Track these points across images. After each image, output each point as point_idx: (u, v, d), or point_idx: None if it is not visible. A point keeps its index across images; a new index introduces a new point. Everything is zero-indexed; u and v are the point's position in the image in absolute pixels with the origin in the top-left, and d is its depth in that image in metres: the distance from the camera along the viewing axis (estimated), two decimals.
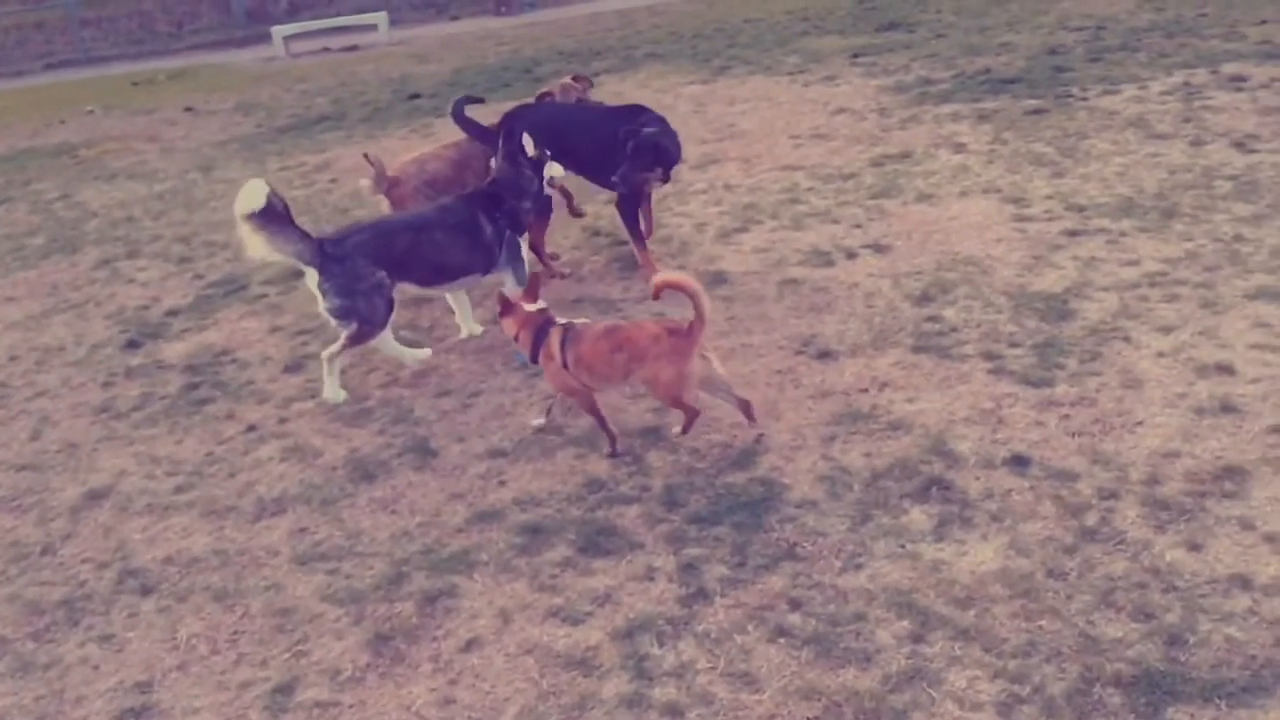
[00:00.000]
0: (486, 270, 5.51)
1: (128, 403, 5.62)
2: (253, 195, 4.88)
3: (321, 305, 5.18)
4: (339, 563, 4.03)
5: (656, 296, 4.36)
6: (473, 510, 4.23)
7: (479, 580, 3.81)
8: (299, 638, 3.65)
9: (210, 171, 10.57)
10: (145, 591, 4.02)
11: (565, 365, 4.43)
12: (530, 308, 4.60)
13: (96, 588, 4.10)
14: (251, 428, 5.17)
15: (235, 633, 3.74)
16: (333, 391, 5.27)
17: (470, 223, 5.40)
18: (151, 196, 9.85)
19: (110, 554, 4.30)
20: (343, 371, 5.42)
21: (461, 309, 5.81)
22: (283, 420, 5.20)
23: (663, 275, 4.35)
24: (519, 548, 3.95)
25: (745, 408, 4.50)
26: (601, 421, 4.52)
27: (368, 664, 3.49)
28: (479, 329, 5.84)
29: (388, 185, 6.15)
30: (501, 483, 4.41)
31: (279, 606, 3.83)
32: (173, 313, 6.82)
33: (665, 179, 6.25)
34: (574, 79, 7.19)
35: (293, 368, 5.77)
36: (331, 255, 5.11)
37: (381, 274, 5.19)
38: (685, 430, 4.49)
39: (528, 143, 5.64)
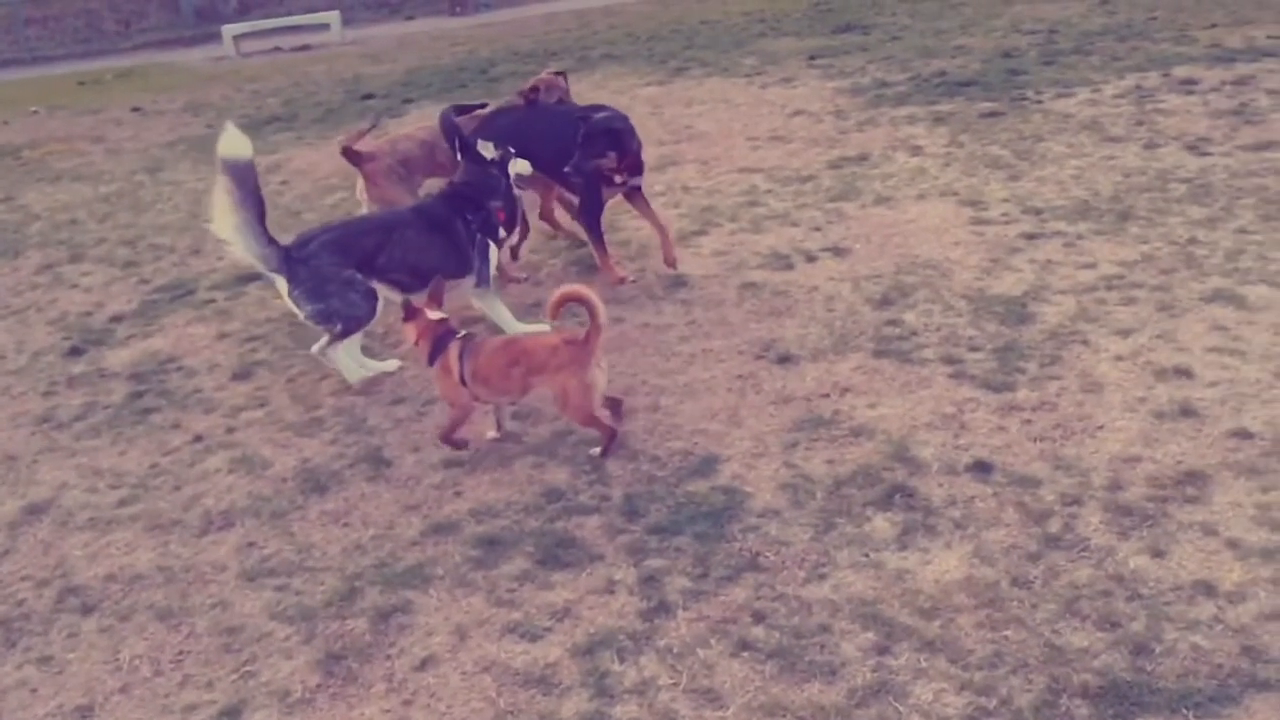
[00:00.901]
0: (461, 273, 5.39)
1: (70, 412, 5.45)
2: (236, 141, 4.76)
3: (301, 316, 5.11)
4: (289, 578, 3.90)
5: (554, 316, 4.32)
6: (428, 522, 4.13)
7: (434, 595, 3.70)
8: (247, 658, 3.53)
9: (158, 173, 10.34)
10: (86, 610, 3.88)
11: (463, 379, 4.35)
12: (433, 315, 4.52)
13: (35, 607, 3.94)
14: (198, 438, 5.02)
15: (180, 653, 3.61)
16: (351, 373, 5.22)
17: (445, 223, 5.33)
18: (97, 199, 9.61)
19: (50, 571, 4.14)
20: (297, 380, 5.29)
21: None
22: (231, 430, 5.06)
23: (560, 291, 4.29)
24: (475, 561, 3.86)
25: (615, 413, 4.47)
26: (449, 434, 4.49)
27: (319, 685, 3.37)
28: None
29: (363, 160, 6.20)
30: (457, 493, 4.31)
31: (226, 625, 3.70)
32: (117, 319, 6.63)
33: (624, 168, 5.99)
34: (555, 74, 7.06)
35: (241, 375, 5.62)
36: (296, 259, 5.01)
37: (350, 270, 5.09)
38: (604, 452, 4.38)
39: (484, 147, 5.53)
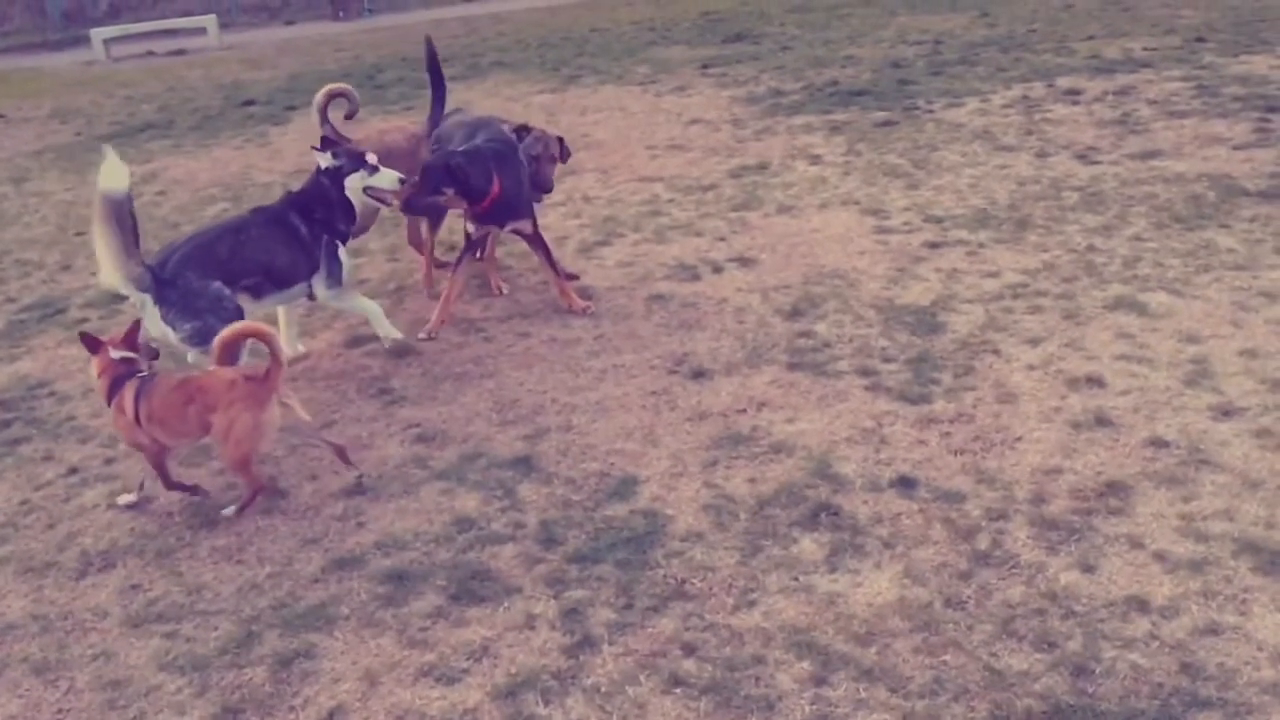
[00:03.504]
0: (310, 273, 5.19)
1: None
2: (115, 175, 4.44)
3: (174, 338, 4.74)
4: (178, 624, 3.60)
5: (220, 361, 4.11)
6: (329, 557, 3.87)
7: (340, 638, 3.46)
8: (134, 714, 3.23)
9: (23, 184, 9.73)
10: None
11: (138, 419, 4.10)
12: (115, 353, 4.24)
13: None
14: (73, 470, 4.65)
15: (59, 711, 3.28)
16: None
17: (285, 223, 5.14)
18: None
19: None
20: None
21: (288, 326, 5.48)
22: (109, 461, 4.70)
23: (228, 329, 4.11)
24: (383, 598, 3.62)
25: (340, 453, 4.29)
26: (165, 479, 4.24)
27: None
28: (302, 348, 5.57)
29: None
30: (360, 524, 4.06)
31: (110, 678, 3.39)
32: None
33: (472, 206, 5.56)
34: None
35: None
36: (162, 280, 4.68)
37: (216, 284, 4.79)
38: (241, 509, 4.15)
39: (322, 156, 5.25)
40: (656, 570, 3.60)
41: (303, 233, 5.14)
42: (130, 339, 4.31)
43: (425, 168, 5.47)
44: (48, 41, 20.43)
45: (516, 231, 5.77)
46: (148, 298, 4.67)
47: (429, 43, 6.65)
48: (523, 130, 5.94)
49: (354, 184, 5.24)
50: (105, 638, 3.58)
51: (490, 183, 5.45)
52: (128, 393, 4.12)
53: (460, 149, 5.59)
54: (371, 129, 6.54)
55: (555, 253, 5.93)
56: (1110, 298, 5.25)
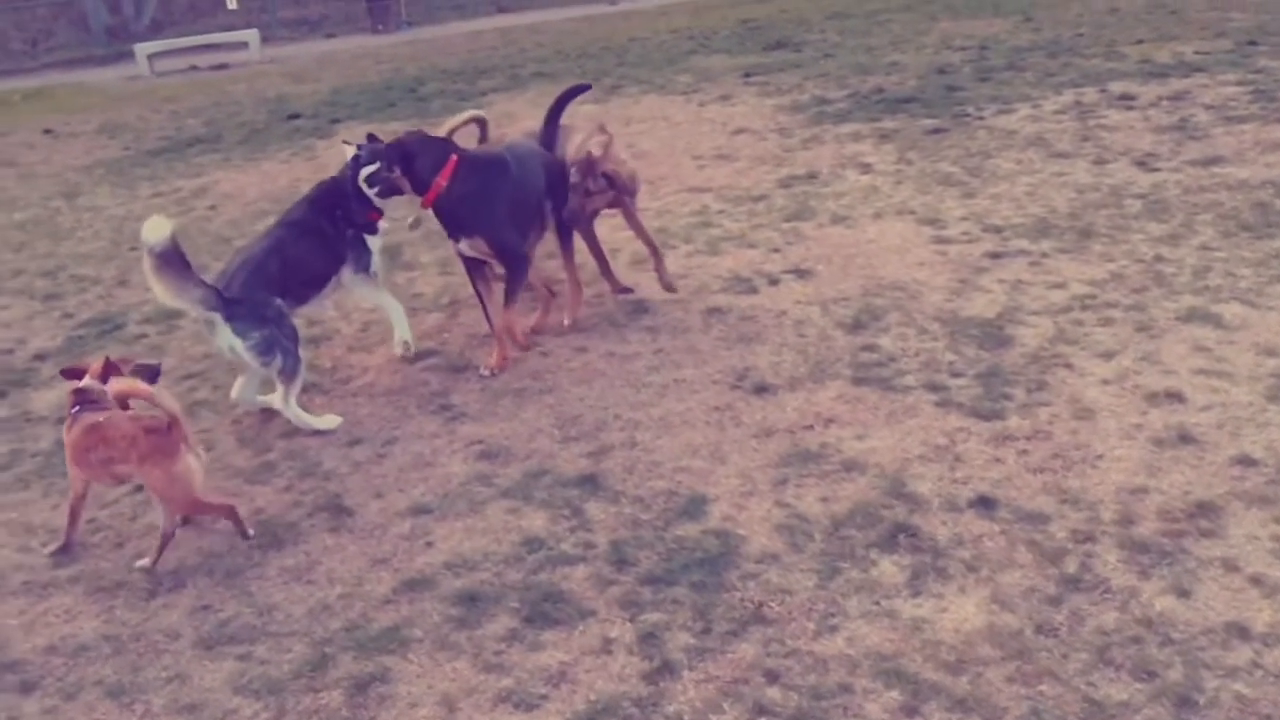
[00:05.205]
0: (339, 267, 5.29)
1: None
2: (157, 229, 4.51)
3: (242, 352, 4.80)
4: (251, 646, 3.58)
5: (125, 406, 4.09)
6: (399, 578, 3.84)
7: (414, 661, 3.42)
8: None
9: (75, 199, 9.82)
10: (26, 689, 3.50)
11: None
12: (85, 382, 4.23)
13: None
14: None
15: None
16: (321, 420, 4.98)
17: (315, 229, 5.22)
18: (11, 226, 9.08)
19: None
20: (243, 421, 4.97)
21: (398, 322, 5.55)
22: None
23: (119, 384, 4.06)
24: (456, 620, 3.58)
25: (231, 515, 4.16)
26: (71, 520, 4.20)
27: None
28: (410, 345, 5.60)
29: None
30: (429, 544, 4.02)
31: (185, 701, 3.36)
32: (40, 357, 6.19)
33: (413, 188, 5.27)
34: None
35: None
36: (231, 300, 4.78)
37: (278, 300, 4.93)
38: (240, 532, 4.12)
39: (349, 148, 5.36)
40: (733, 593, 3.53)
41: (329, 232, 5.24)
42: (109, 369, 4.28)
43: (387, 144, 5.35)
44: (92, 57, 20.68)
45: (476, 250, 5.34)
46: (217, 315, 4.75)
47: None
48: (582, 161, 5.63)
49: (363, 176, 5.26)
50: (178, 660, 3.56)
51: (435, 175, 5.18)
52: (67, 423, 4.16)
53: (435, 138, 5.46)
54: (497, 131, 6.48)
55: (518, 294, 5.43)
56: (1183, 309, 5.13)
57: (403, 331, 5.52)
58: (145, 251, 4.59)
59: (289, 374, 4.90)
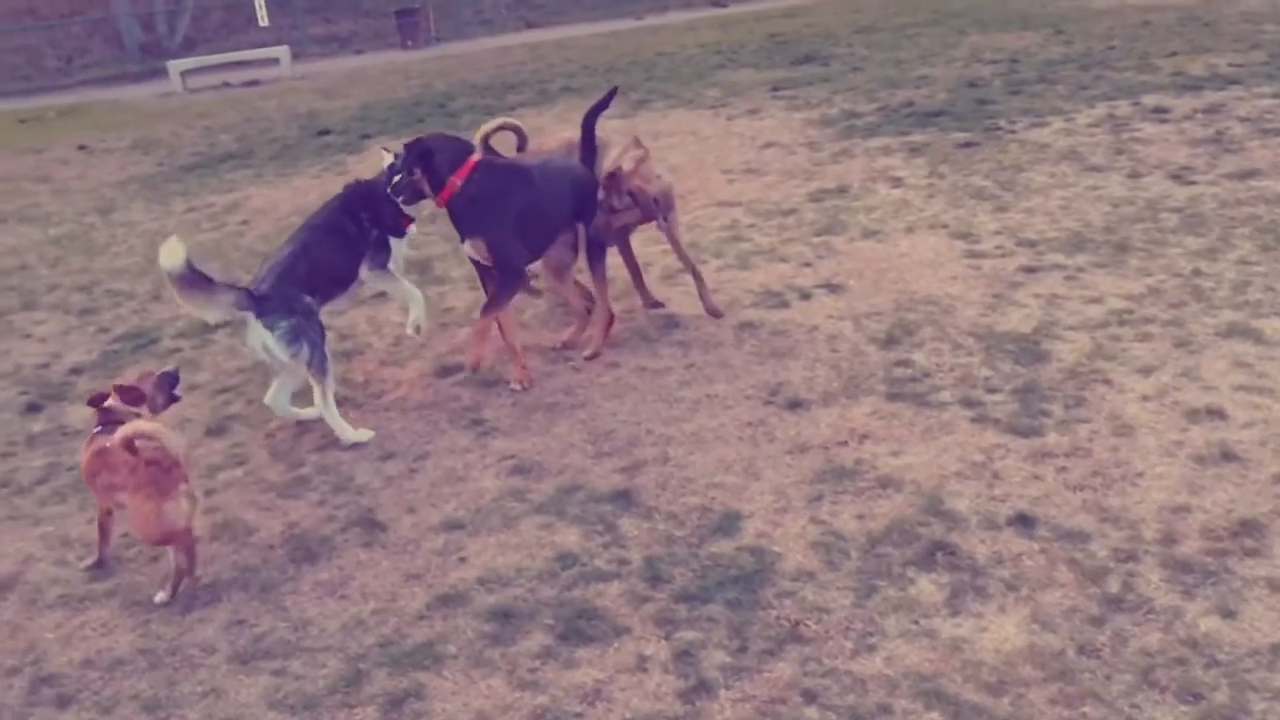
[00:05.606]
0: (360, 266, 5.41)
1: (30, 475, 5.06)
2: (171, 253, 4.60)
3: (270, 343, 4.88)
4: (286, 661, 3.58)
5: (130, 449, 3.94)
6: (433, 593, 3.83)
7: (449, 678, 3.40)
8: None
9: (109, 214, 9.92)
10: (63, 702, 3.51)
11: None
12: (109, 403, 4.25)
13: (6, 699, 3.57)
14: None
15: None
16: (355, 433, 5.01)
17: (339, 230, 5.32)
18: (46, 242, 9.19)
19: (19, 657, 3.77)
20: (276, 435, 4.99)
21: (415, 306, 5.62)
22: (209, 492, 4.71)
23: (122, 431, 3.91)
24: (490, 637, 3.56)
25: (176, 579, 4.02)
26: (102, 536, 4.21)
27: None
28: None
29: None
30: (462, 559, 4.02)
31: (220, 717, 3.36)
32: (76, 371, 6.25)
33: (431, 187, 5.30)
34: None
35: (215, 431, 5.29)
36: (260, 296, 4.90)
37: (308, 298, 5.04)
38: (172, 593, 3.99)
39: (386, 156, 5.43)
40: (768, 611, 3.50)
41: (353, 232, 5.34)
42: (135, 394, 4.30)
43: (407, 144, 5.37)
44: (126, 73, 20.96)
45: (478, 252, 5.34)
46: (249, 314, 4.87)
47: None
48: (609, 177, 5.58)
49: (392, 185, 5.35)
50: (214, 674, 3.56)
51: (452, 173, 5.20)
52: (85, 442, 4.21)
53: (454, 138, 5.51)
54: (535, 139, 6.51)
55: (501, 305, 5.34)
56: (1222, 324, 5.06)
57: (418, 316, 5.59)
58: (165, 276, 4.71)
59: (319, 368, 4.95)
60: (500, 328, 5.45)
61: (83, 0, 23.48)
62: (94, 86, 20.20)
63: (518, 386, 5.31)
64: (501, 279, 5.35)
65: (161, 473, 3.86)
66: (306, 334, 4.93)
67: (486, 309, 5.39)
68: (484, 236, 5.27)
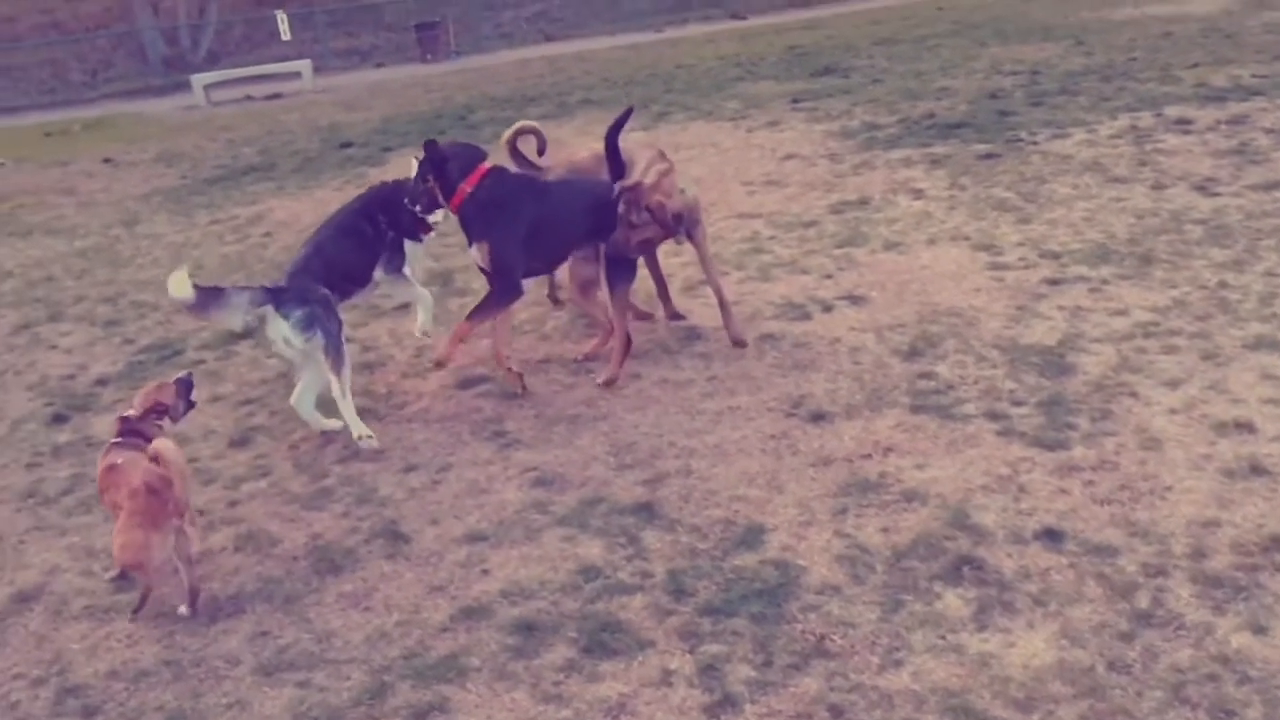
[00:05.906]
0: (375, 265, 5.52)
1: (57, 486, 5.10)
2: (179, 285, 4.68)
3: (287, 330, 4.98)
4: (310, 673, 3.58)
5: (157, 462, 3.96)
6: (456, 605, 3.83)
7: (473, 691, 3.40)
8: None
9: (134, 226, 10.00)
10: (89, 713, 3.53)
11: None
12: (131, 412, 4.36)
13: (31, 709, 3.59)
14: (199, 512, 4.68)
15: None
16: (365, 431, 5.06)
17: (356, 230, 5.44)
18: (72, 254, 9.27)
19: (45, 668, 3.79)
20: (300, 446, 5.01)
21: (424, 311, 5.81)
22: (233, 503, 4.74)
23: (157, 444, 3.96)
24: (514, 650, 3.56)
25: (192, 596, 3.98)
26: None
27: None
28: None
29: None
30: (485, 571, 4.01)
31: None
32: (102, 382, 6.29)
33: (443, 193, 5.31)
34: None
35: (239, 442, 5.31)
36: (276, 289, 5.07)
37: (324, 290, 5.15)
38: (136, 611, 3.98)
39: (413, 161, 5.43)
40: (794, 625, 3.49)
41: (369, 234, 5.45)
42: (149, 408, 4.38)
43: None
44: (150, 87, 21.16)
45: (480, 257, 5.29)
46: (268, 309, 4.98)
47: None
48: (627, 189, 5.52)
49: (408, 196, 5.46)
50: (238, 686, 3.57)
51: (463, 179, 5.21)
52: (102, 452, 4.28)
53: (468, 145, 5.56)
54: (564, 151, 6.55)
55: (488, 313, 5.31)
56: (1250, 337, 5.02)
57: (425, 320, 5.73)
58: (180, 307, 4.90)
59: (335, 357, 5.00)
60: (494, 335, 5.51)
61: (108, 14, 23.75)
62: (118, 100, 20.40)
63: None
64: (494, 287, 5.31)
65: (158, 504, 3.82)
66: (321, 322, 5.03)
67: (472, 314, 5.34)
68: (487, 241, 5.25)
